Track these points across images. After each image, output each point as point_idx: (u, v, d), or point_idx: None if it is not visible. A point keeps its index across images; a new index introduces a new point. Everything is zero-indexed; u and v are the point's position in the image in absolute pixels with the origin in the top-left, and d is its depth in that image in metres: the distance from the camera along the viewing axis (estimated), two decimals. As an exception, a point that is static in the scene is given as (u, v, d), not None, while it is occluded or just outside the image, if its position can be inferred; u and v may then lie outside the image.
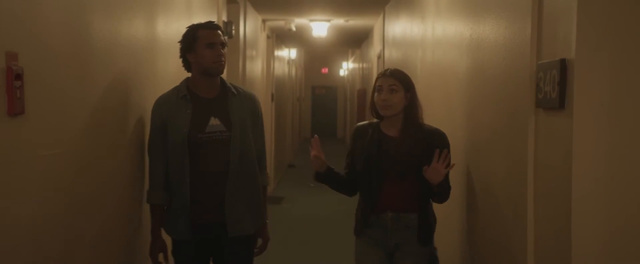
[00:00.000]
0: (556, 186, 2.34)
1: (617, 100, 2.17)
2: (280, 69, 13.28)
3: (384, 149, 3.26)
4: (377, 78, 3.32)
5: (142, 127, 3.42)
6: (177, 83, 3.33)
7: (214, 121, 3.20)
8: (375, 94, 3.29)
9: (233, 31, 6.56)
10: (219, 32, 3.24)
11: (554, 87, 2.28)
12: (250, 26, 8.27)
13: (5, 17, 2.01)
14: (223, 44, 3.22)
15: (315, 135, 3.39)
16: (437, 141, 3.23)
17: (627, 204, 2.17)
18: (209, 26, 3.25)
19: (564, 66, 2.23)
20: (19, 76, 2.05)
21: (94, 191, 2.78)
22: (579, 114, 2.17)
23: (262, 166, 3.44)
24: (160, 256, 3.28)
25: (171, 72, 3.98)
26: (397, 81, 3.25)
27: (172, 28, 4.12)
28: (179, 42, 3.29)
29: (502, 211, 2.97)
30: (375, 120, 3.38)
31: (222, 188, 3.20)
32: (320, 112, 24.26)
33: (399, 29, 7.75)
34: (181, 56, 3.26)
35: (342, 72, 22.69)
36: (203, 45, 3.17)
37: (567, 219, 2.21)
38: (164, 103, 3.24)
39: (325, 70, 23.80)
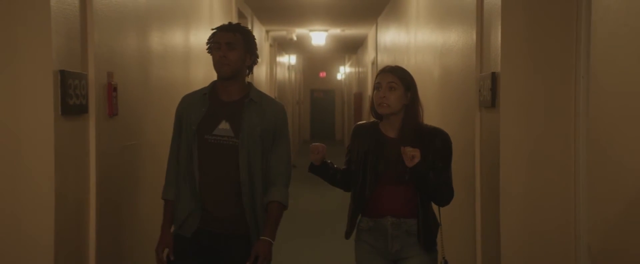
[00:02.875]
0: (491, 164, 3.26)
1: (531, 101, 3.08)
2: (281, 74, 14.04)
3: (381, 151, 3.07)
4: (377, 75, 3.14)
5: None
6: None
7: (223, 125, 3.07)
8: (374, 92, 3.11)
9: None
10: (228, 33, 3.10)
11: (488, 92, 3.19)
12: (256, 37, 9.14)
13: (106, 48, 2.94)
14: (230, 44, 3.06)
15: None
16: (438, 141, 3.05)
17: (538, 171, 3.09)
18: (217, 27, 3.17)
19: (494, 77, 3.14)
20: (115, 89, 2.98)
21: (155, 175, 3.69)
22: (504, 112, 3.09)
23: (280, 181, 3.17)
24: (165, 251, 3.14)
25: (201, 76, 4.94)
26: (397, 78, 3.06)
27: (199, 39, 5.05)
28: None
29: (459, 189, 3.88)
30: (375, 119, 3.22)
31: (225, 195, 3.07)
32: (319, 114, 24.85)
33: (390, 37, 8.58)
34: None
35: (340, 76, 23.24)
36: (211, 46, 3.12)
37: (496, 185, 3.13)
38: (186, 100, 3.20)
39: (323, 74, 24.36)
